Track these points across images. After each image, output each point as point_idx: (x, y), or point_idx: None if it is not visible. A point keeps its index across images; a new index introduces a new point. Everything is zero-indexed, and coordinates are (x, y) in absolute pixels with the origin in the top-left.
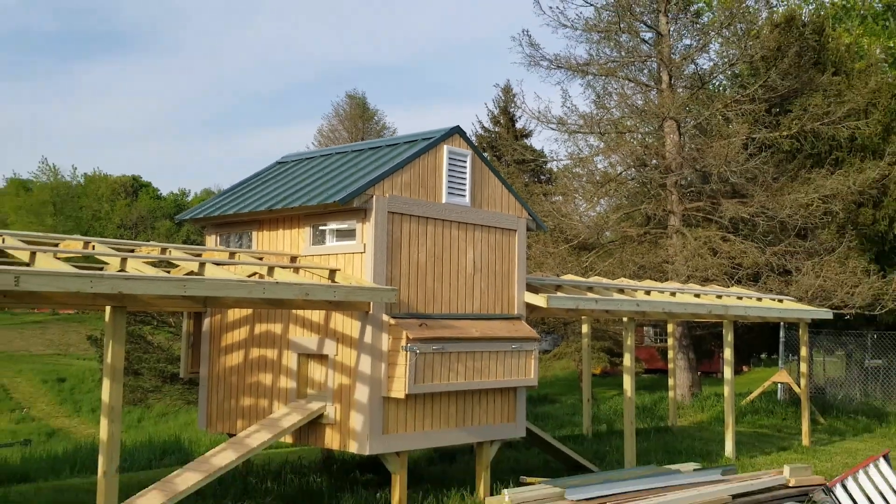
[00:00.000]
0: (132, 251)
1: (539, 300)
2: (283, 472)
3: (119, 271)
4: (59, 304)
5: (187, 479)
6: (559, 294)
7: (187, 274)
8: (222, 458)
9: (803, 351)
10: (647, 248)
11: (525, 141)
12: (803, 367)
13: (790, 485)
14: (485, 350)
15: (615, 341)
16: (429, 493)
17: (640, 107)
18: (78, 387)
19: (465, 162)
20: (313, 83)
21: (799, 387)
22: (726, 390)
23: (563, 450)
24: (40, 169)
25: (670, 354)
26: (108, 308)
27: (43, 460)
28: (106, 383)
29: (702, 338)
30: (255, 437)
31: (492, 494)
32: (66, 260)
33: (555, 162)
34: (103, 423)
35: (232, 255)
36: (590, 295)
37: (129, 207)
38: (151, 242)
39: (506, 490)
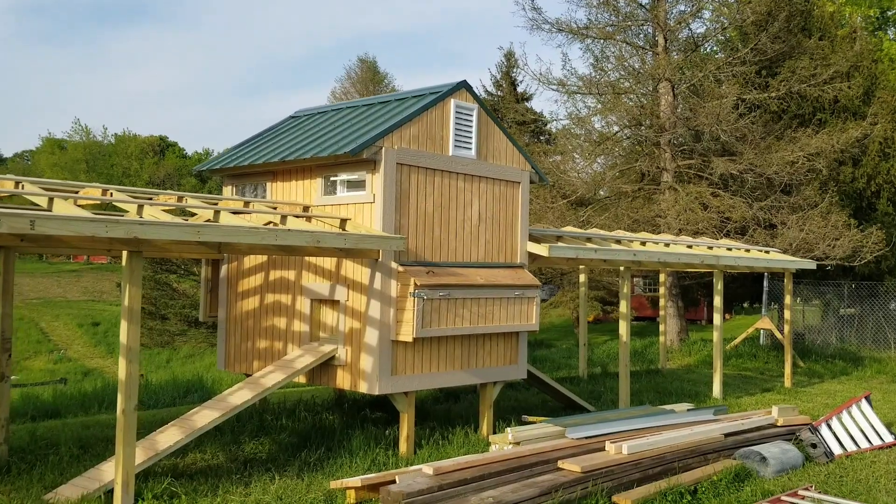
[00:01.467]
0: (151, 199)
1: (541, 249)
2: (298, 410)
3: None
4: (76, 249)
5: (205, 416)
6: (560, 244)
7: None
8: (238, 396)
9: (787, 299)
10: (641, 203)
11: (526, 104)
12: (787, 315)
13: (778, 424)
14: (489, 296)
15: (608, 291)
16: (435, 430)
17: (636, 69)
18: (111, 330)
19: (472, 116)
20: (329, 50)
21: (781, 333)
22: (715, 336)
23: (560, 390)
24: (73, 129)
25: (662, 303)
26: (124, 253)
27: (73, 398)
28: (123, 325)
29: (689, 287)
30: (269, 378)
31: (495, 432)
32: (87, 208)
33: (555, 122)
34: (121, 363)
35: (246, 204)
36: (589, 245)
37: (157, 165)
38: (169, 191)
39: (509, 428)
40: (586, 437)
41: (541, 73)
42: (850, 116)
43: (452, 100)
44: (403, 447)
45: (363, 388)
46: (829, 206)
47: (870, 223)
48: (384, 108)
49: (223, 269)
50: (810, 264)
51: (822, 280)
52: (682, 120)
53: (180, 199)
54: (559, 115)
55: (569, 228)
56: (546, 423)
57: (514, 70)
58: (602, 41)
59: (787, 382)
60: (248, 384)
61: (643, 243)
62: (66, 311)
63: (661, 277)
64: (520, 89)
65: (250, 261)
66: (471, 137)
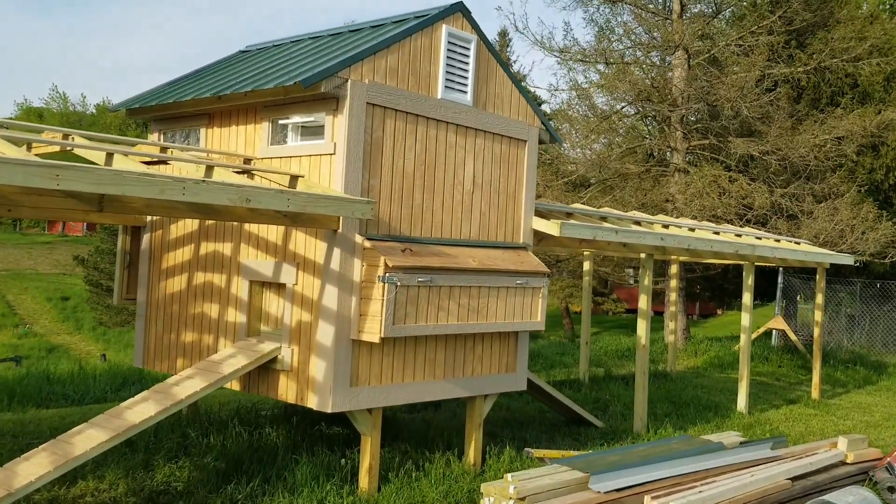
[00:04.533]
0: (33, 137)
1: (550, 227)
2: (232, 423)
3: None
4: None
5: (89, 438)
6: (573, 222)
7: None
8: (139, 412)
9: (819, 298)
10: (650, 184)
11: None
12: (818, 316)
13: (848, 461)
14: (484, 285)
15: (599, 280)
16: (407, 456)
17: (647, 39)
18: (81, 305)
19: (469, 49)
20: (319, 22)
21: (796, 335)
22: (742, 339)
23: (567, 404)
24: (51, 96)
25: (672, 297)
26: None
27: None
28: None
29: (689, 281)
30: (185, 386)
31: (484, 460)
32: None
33: (555, 94)
34: None
35: (164, 150)
36: (606, 225)
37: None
38: (53, 127)
39: (509, 476)
40: (617, 490)
41: (542, 38)
42: (870, 101)
43: (444, 26)
44: (364, 482)
45: (312, 402)
46: (857, 195)
47: (889, 217)
48: (354, 37)
49: (144, 240)
50: (847, 259)
51: (832, 277)
52: (699, 93)
53: (66, 136)
54: (560, 85)
55: (578, 205)
56: (559, 464)
57: (509, 48)
58: (609, 6)
59: (815, 393)
60: (155, 394)
61: (665, 226)
62: (35, 283)
63: (673, 268)
64: (514, 68)
65: (178, 229)
66: (466, 77)
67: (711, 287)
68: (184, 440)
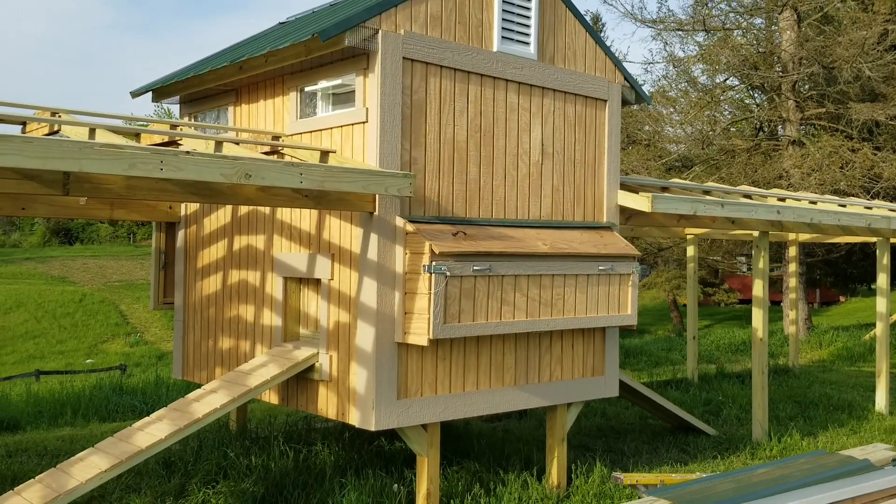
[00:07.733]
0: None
1: (640, 202)
2: (276, 440)
3: None
4: None
5: (88, 467)
6: (667, 195)
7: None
8: (149, 434)
9: None
10: (761, 160)
11: None
12: None
13: None
14: (558, 273)
15: (709, 269)
16: (476, 477)
17: (749, 2)
18: None
19: None
20: None
21: None
22: (879, 328)
23: (669, 408)
24: (156, 112)
25: (791, 283)
26: None
27: (46, 402)
28: None
29: (810, 266)
30: (206, 402)
31: (569, 476)
32: None
33: (650, 68)
34: None
35: (174, 128)
36: (708, 198)
37: None
38: (44, 106)
39: None
40: None
41: (632, 8)
42: None
43: None
44: None
45: (353, 418)
46: None
47: None
48: None
49: (179, 237)
50: None
51: None
52: (812, 55)
53: (54, 114)
54: (655, 57)
55: (676, 179)
56: (655, 496)
57: (602, 32)
58: None
59: None
60: (172, 412)
61: (782, 200)
62: (146, 293)
63: (792, 251)
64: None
65: (211, 224)
66: (528, 26)
67: (833, 272)
68: (224, 459)
